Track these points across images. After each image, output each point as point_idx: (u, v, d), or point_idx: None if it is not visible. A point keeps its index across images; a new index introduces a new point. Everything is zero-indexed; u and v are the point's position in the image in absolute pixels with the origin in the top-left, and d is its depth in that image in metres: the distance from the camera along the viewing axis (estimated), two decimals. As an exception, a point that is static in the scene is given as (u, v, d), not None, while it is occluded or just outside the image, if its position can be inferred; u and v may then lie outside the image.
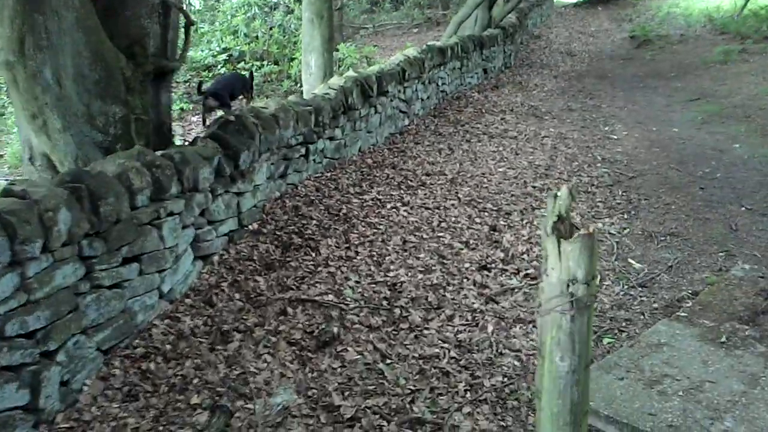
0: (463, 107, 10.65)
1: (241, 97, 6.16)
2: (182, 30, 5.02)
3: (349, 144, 7.08)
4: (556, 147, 8.71)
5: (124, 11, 4.39)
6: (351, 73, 7.83)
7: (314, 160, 6.25)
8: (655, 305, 4.54)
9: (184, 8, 4.85)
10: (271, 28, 12.37)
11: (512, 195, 6.66)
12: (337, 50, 12.58)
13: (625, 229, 5.89)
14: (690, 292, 4.68)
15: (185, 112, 10.14)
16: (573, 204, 2.97)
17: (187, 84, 11.44)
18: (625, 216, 6.19)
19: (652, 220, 6.09)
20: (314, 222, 5.21)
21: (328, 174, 6.38)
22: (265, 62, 11.87)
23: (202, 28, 12.34)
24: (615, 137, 9.31)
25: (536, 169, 7.64)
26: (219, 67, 11.59)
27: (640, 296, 4.68)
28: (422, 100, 9.74)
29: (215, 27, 12.17)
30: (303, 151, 5.99)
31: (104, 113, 4.20)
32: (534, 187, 6.97)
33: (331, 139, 6.62)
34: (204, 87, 5.72)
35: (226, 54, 11.28)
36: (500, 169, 7.56)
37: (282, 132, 5.52)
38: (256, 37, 12.03)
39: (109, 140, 4.23)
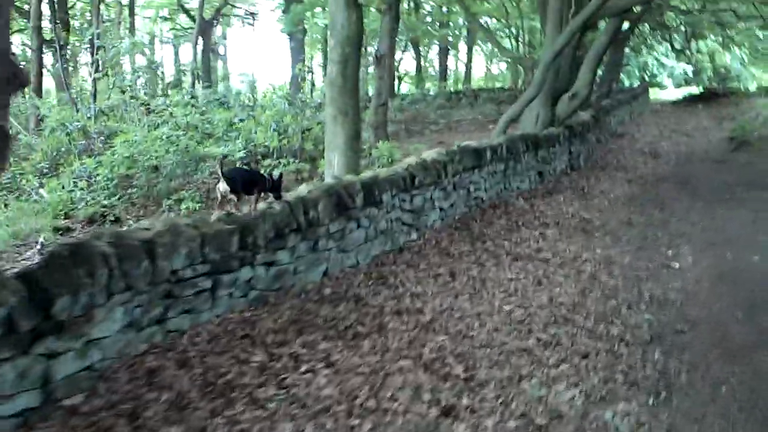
0: (496, 218, 8.87)
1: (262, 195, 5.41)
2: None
3: (303, 270, 5.50)
4: (596, 276, 6.74)
5: None
6: (329, 180, 6.37)
7: (230, 294, 4.70)
8: None
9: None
10: (305, 130, 11.24)
11: (502, 352, 4.79)
12: (368, 149, 11.25)
13: (641, 426, 3.87)
14: None
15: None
16: None
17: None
18: (650, 401, 4.16)
19: (687, 412, 4.04)
20: (167, 398, 3.59)
21: (248, 313, 4.78)
22: (296, 160, 10.68)
23: (239, 123, 11.40)
24: (676, 265, 7.21)
25: (555, 309, 5.73)
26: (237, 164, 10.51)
27: None
28: (441, 209, 8.08)
29: (245, 123, 11.19)
30: (208, 284, 4.46)
31: None
32: (539, 339, 5.06)
33: (269, 264, 5.07)
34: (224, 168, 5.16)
35: (244, 151, 10.18)
36: (506, 308, 5.70)
37: (161, 263, 4.03)
38: (285, 131, 10.92)
39: None
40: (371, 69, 21.36)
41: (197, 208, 9.17)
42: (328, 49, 9.03)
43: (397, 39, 21.04)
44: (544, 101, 12.45)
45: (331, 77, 8.81)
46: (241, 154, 9.86)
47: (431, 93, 25.54)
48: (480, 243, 7.65)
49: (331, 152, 8.87)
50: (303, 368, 4.10)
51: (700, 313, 5.71)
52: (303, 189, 5.85)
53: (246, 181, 5.24)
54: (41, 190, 9.45)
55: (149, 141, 10.05)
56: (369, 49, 23.83)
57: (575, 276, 6.73)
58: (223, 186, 5.00)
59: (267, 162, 10.59)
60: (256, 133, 10.79)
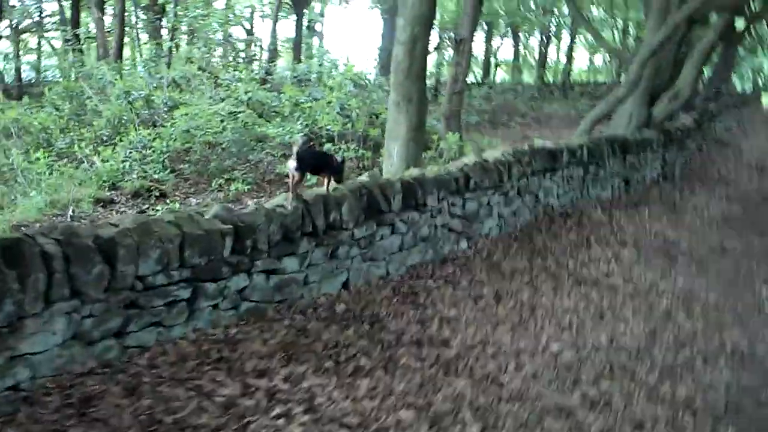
0: (566, 231, 7.78)
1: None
2: None
3: (316, 280, 4.72)
4: (671, 315, 5.62)
5: None
6: (363, 177, 5.54)
7: (215, 306, 3.97)
8: None
9: None
10: (372, 115, 10.45)
11: (535, 409, 3.85)
12: (436, 140, 10.31)
13: None
14: None
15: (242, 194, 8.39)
16: None
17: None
18: None
19: None
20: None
21: (235, 330, 4.03)
22: (359, 146, 9.91)
23: (305, 102, 10.71)
24: (771, 309, 5.98)
25: (614, 354, 4.70)
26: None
27: None
28: (500, 216, 7.10)
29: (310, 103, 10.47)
30: (185, 294, 3.75)
31: None
32: (585, 396, 4.08)
33: (270, 272, 4.32)
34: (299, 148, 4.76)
35: (302, 133, 9.50)
36: (554, 346, 4.72)
37: (123, 267, 3.35)
38: (348, 116, 10.14)
39: None
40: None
41: (246, 190, 8.59)
42: (397, 28, 8.17)
43: (483, 23, 19.81)
44: (639, 100, 11.09)
45: (397, 59, 7.96)
46: (297, 136, 9.17)
47: (524, 83, 24.09)
48: (540, 259, 6.63)
49: (391, 142, 8.06)
50: (276, 411, 3.32)
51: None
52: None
53: (316, 161, 5.00)
54: (94, 158, 9.12)
55: (208, 115, 9.54)
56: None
57: (646, 312, 5.64)
58: (292, 164, 4.64)
59: (327, 146, 9.87)
60: (320, 115, 10.07)
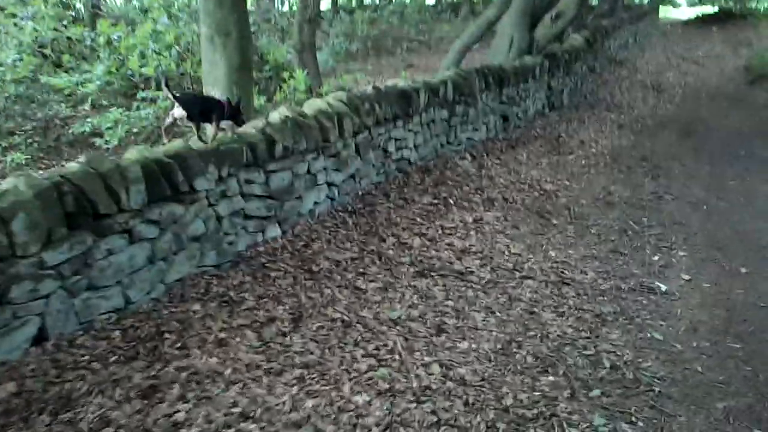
0: (420, 192, 6.16)
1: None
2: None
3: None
4: (535, 311, 4.15)
5: None
6: (132, 152, 3.69)
7: None
8: None
9: None
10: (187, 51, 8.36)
11: None
12: (287, 80, 8.39)
13: None
14: None
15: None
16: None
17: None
18: None
19: None
20: None
21: None
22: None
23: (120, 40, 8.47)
24: (661, 288, 4.60)
25: (443, 398, 3.17)
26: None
27: None
28: (331, 186, 5.39)
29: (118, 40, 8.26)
30: None
31: None
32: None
33: None
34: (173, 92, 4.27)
35: (100, 83, 7.38)
36: (359, 400, 3.13)
37: None
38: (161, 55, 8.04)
39: None
40: None
41: (26, 162, 6.54)
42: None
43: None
44: (518, 22, 9.43)
45: None
46: (92, 87, 7.07)
47: (414, 4, 21.96)
48: (377, 241, 5.00)
49: (208, 88, 6.15)
50: None
51: (685, 390, 3.17)
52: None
53: (203, 107, 4.40)
54: None
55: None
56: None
57: (504, 310, 4.14)
58: (178, 111, 4.20)
59: (141, 95, 7.80)
60: (131, 56, 7.93)
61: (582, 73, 12.00)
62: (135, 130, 7.38)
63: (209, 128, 4.38)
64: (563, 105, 10.57)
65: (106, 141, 7.03)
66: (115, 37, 8.54)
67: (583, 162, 7.77)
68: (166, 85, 4.24)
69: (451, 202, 5.95)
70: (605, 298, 4.45)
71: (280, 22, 14.29)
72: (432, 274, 4.57)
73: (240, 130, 4.60)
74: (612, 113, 10.73)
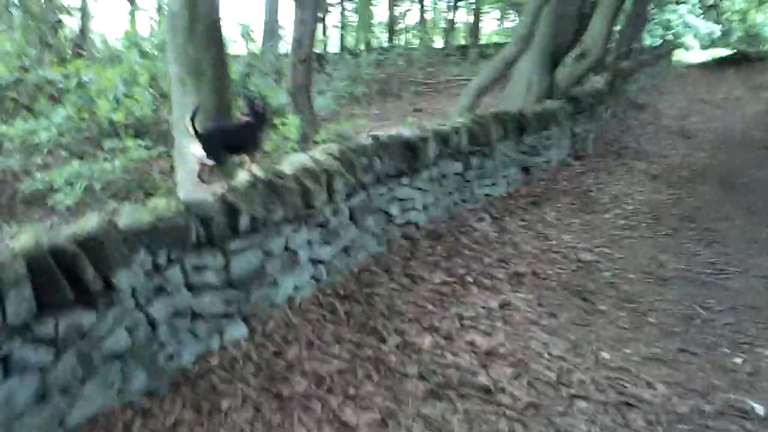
0: (430, 267, 4.91)
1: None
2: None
3: None
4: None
5: None
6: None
7: None
8: None
9: None
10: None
11: None
12: (278, 126, 7.28)
13: None
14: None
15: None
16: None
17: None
18: None
19: None
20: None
21: None
22: (154, 142, 6.76)
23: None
24: (757, 410, 3.31)
25: None
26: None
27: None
28: (316, 263, 4.16)
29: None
30: None
31: None
32: None
33: None
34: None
35: (54, 130, 6.27)
36: None
37: None
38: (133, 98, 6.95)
39: None
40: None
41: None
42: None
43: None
44: (538, 63, 8.32)
45: (173, 11, 4.94)
46: (47, 135, 5.95)
47: (424, 47, 21.06)
48: (375, 341, 3.75)
49: (183, 138, 5.03)
50: None
51: None
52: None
53: (230, 139, 3.67)
54: None
55: None
56: None
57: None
58: (198, 150, 3.48)
59: (109, 144, 6.68)
60: (101, 100, 6.83)
61: (605, 119, 10.86)
62: (99, 186, 6.23)
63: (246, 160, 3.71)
64: (589, 153, 9.40)
65: (61, 201, 5.88)
66: (86, 80, 7.47)
67: (622, 222, 6.54)
68: (192, 122, 3.50)
69: (470, 280, 4.70)
70: (686, 427, 3.16)
71: (276, 65, 13.31)
72: (448, 392, 3.30)
73: (195, 198, 3.40)
74: (641, 162, 9.53)
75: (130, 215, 3.04)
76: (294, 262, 3.92)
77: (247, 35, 12.99)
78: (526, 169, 7.41)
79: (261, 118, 3.88)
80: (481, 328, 4.05)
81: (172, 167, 6.47)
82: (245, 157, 3.87)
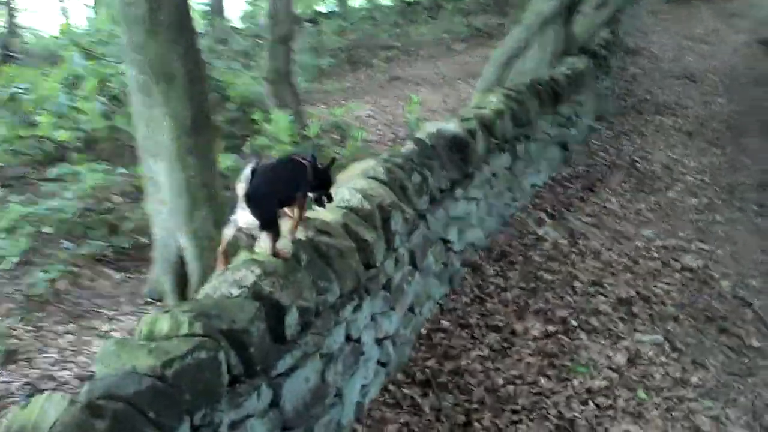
0: (516, 303, 3.67)
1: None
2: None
3: None
4: None
5: None
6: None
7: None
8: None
9: None
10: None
11: None
12: (260, 122, 5.87)
13: None
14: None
15: None
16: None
17: None
18: None
19: None
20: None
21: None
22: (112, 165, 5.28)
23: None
24: None
25: None
26: None
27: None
28: (383, 341, 2.88)
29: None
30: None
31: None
32: None
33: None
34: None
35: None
36: None
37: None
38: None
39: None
40: None
41: None
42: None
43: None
44: (555, 18, 6.97)
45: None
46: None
47: (382, 5, 19.35)
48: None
49: (150, 159, 3.64)
50: None
51: None
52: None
53: (282, 192, 2.33)
54: None
55: None
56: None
57: None
58: (244, 217, 2.17)
59: (55, 171, 5.18)
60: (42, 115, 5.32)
61: (615, 71, 9.67)
62: (50, 228, 4.75)
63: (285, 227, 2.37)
64: (613, 114, 8.20)
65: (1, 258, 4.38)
66: (21, 89, 5.90)
67: (693, 202, 5.41)
68: (253, 171, 2.18)
69: (573, 323, 3.48)
70: None
71: (242, 44, 11.68)
72: None
73: (209, 297, 2.07)
74: (666, 117, 8.41)
75: (110, 362, 1.71)
76: (358, 354, 2.64)
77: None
78: (564, 146, 6.17)
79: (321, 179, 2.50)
80: (624, 406, 2.85)
81: (137, 188, 5.00)
82: (294, 215, 2.46)
